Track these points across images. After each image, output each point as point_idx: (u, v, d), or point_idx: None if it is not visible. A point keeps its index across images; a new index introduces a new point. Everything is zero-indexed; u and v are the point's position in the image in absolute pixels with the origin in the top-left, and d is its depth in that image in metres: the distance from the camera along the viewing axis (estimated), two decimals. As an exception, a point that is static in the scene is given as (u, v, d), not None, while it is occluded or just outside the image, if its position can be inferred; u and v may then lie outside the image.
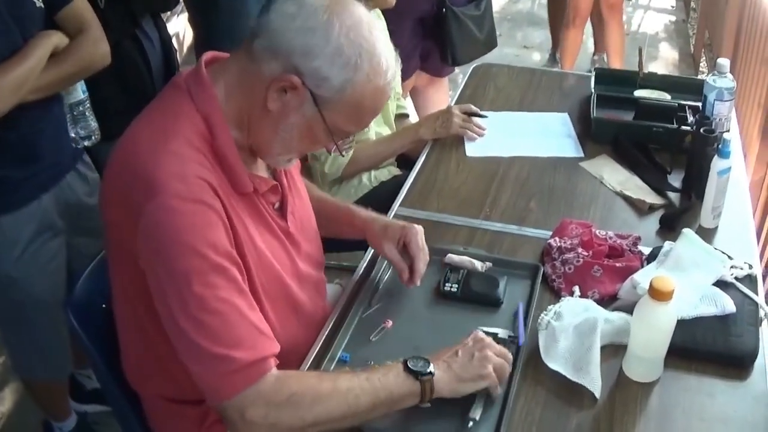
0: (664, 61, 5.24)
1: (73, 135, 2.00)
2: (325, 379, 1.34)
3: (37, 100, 1.81)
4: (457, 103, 2.51)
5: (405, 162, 2.50)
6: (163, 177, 1.25)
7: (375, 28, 1.32)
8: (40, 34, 1.81)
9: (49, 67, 1.80)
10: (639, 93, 2.46)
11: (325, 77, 1.28)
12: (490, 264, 1.74)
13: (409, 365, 1.35)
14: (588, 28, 4.75)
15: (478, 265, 1.72)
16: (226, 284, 1.28)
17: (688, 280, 1.61)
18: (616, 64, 4.42)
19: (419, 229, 1.67)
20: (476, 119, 2.36)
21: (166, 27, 2.49)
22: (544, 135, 2.34)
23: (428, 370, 1.34)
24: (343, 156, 1.44)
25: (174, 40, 3.36)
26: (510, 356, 1.44)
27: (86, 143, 2.03)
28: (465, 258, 1.74)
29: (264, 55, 1.30)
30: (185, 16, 3.61)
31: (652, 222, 1.93)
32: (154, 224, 1.25)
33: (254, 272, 1.39)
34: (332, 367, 1.50)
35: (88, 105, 1.99)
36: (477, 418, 1.37)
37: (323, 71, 1.28)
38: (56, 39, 1.84)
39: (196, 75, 1.35)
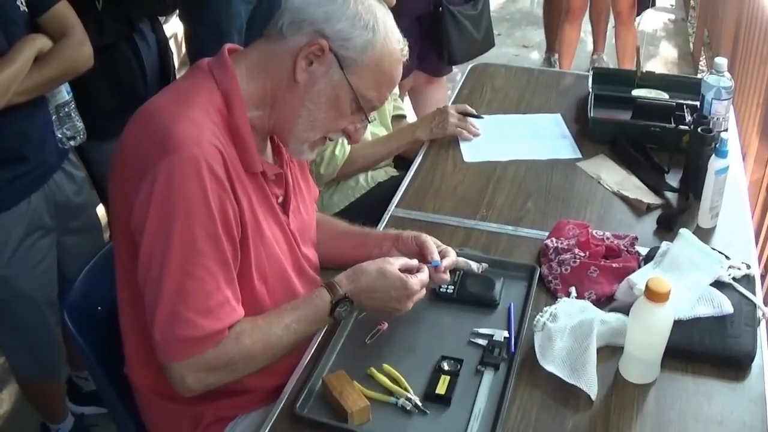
0: (664, 59, 5.23)
1: (59, 135, 2.02)
2: (258, 337, 1.40)
3: (23, 102, 1.83)
4: (454, 102, 2.51)
5: (402, 162, 2.49)
6: (181, 138, 1.31)
7: (383, 7, 1.47)
8: (25, 37, 1.84)
9: (34, 70, 1.83)
10: (637, 92, 2.45)
11: (348, 38, 1.39)
12: (487, 265, 1.72)
13: (337, 309, 1.47)
14: (587, 26, 4.73)
15: (474, 266, 1.71)
16: (215, 254, 1.33)
17: (685, 281, 1.60)
18: (626, 66, 4.38)
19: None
20: (471, 119, 2.36)
21: (163, 29, 2.49)
22: (540, 137, 2.33)
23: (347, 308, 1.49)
24: (368, 121, 1.51)
25: (172, 41, 3.36)
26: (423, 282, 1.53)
27: (72, 143, 2.07)
28: (461, 259, 1.73)
29: (289, 30, 1.41)
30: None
31: (650, 222, 1.92)
32: (165, 177, 1.29)
33: (253, 250, 1.43)
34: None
35: (73, 106, 2.03)
36: None
37: (346, 32, 1.39)
38: (41, 42, 1.86)
39: (219, 58, 1.44)
